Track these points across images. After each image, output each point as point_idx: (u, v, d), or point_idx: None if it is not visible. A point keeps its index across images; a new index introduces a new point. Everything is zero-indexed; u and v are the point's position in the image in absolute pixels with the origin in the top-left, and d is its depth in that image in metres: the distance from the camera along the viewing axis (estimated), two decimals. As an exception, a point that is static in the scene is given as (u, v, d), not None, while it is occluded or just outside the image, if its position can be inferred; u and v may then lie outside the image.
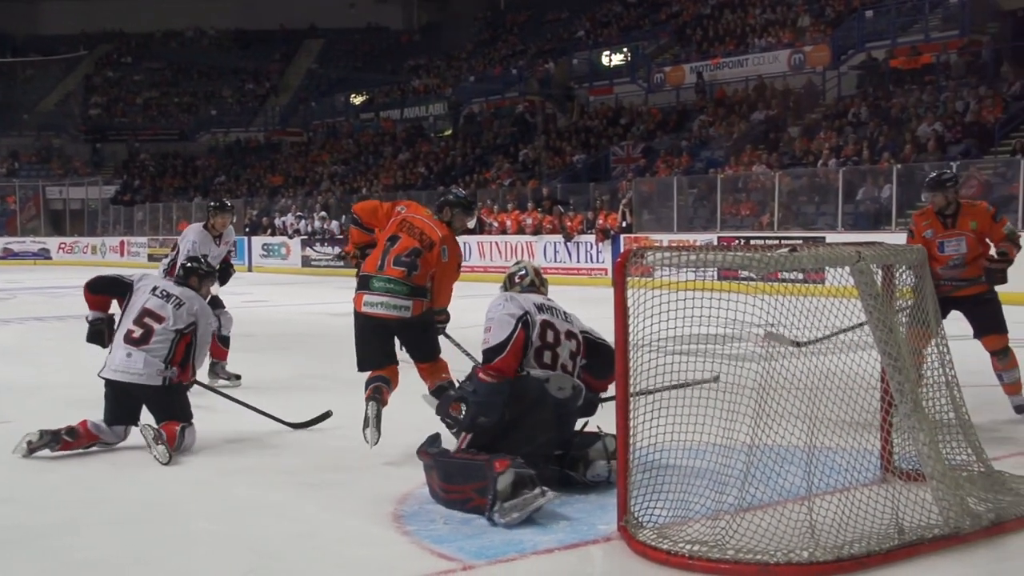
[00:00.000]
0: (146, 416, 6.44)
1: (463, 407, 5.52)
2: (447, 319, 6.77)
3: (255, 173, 42.54)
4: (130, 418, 6.47)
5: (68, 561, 4.48)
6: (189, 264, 6.96)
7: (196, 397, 6.82)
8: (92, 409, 6.53)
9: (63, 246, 39.98)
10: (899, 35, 26.72)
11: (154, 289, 6.57)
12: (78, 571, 4.39)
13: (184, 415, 6.45)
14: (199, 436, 6.50)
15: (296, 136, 46.00)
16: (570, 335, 5.64)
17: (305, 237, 31.02)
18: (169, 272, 8.34)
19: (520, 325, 5.43)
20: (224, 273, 9.34)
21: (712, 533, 4.34)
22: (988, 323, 7.22)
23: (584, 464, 5.39)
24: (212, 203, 9.46)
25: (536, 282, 5.99)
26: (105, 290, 6.74)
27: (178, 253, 8.84)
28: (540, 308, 5.64)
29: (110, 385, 6.44)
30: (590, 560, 4.48)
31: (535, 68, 37.52)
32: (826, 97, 26.68)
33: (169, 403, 6.43)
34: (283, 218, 32.76)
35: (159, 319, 6.45)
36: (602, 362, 5.53)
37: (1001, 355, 7.18)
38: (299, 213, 32.45)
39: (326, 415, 7.08)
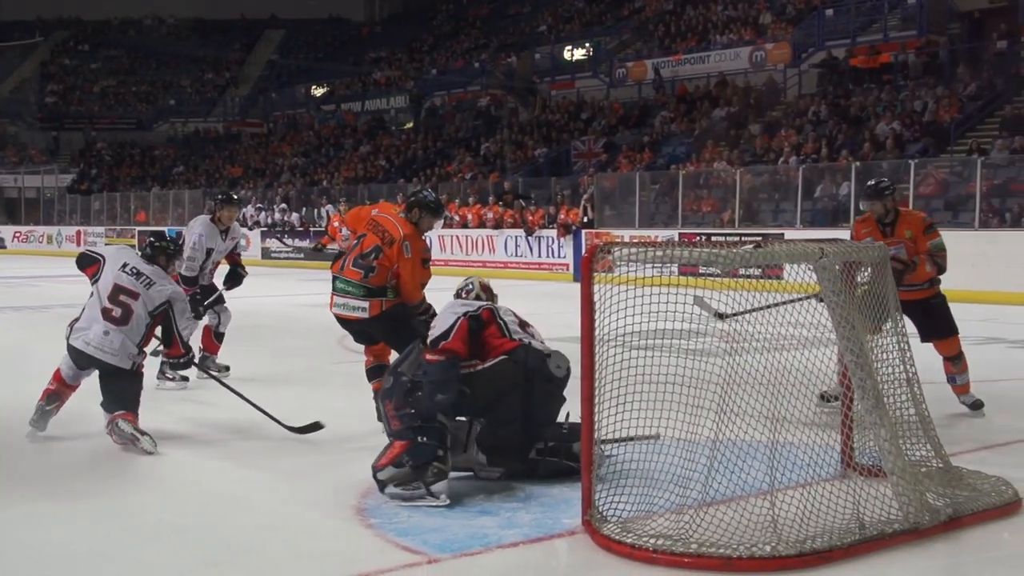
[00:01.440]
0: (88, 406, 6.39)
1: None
2: (426, 311, 6.81)
3: (214, 164, 42.23)
4: (86, 372, 6.53)
5: (31, 555, 4.44)
6: (157, 242, 6.79)
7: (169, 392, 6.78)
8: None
9: (18, 235, 39.50)
10: (858, 34, 26.93)
11: (124, 265, 6.52)
12: (41, 565, 4.35)
13: (135, 405, 6.37)
14: (162, 428, 6.44)
15: (256, 127, 45.72)
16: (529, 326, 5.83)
17: (265, 229, 30.84)
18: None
19: (463, 317, 5.56)
20: (235, 276, 9.05)
21: (676, 527, 4.37)
22: (940, 327, 7.25)
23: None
24: (219, 195, 9.10)
25: (482, 296, 6.09)
26: (86, 264, 6.75)
27: (183, 245, 8.59)
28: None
29: (79, 353, 6.39)
30: (555, 554, 4.51)
31: (497, 62, 37.49)
32: (787, 95, 26.87)
33: (129, 389, 6.37)
34: (243, 209, 32.53)
35: (134, 295, 6.40)
36: None
37: (955, 360, 7.25)
38: (259, 205, 32.26)
39: (316, 426, 6.70)
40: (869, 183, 7.48)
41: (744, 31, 30.00)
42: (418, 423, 5.12)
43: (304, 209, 30.62)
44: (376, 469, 5.07)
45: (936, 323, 7.24)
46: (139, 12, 53.66)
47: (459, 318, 5.54)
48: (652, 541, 4.28)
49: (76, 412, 6.64)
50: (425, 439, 5.06)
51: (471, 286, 6.13)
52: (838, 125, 22.53)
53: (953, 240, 17.36)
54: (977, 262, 16.28)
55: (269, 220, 30.96)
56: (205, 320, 8.91)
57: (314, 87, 45.56)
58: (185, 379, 8.38)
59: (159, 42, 53.24)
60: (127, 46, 53.00)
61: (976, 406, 7.27)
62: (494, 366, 5.46)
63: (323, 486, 5.46)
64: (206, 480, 5.69)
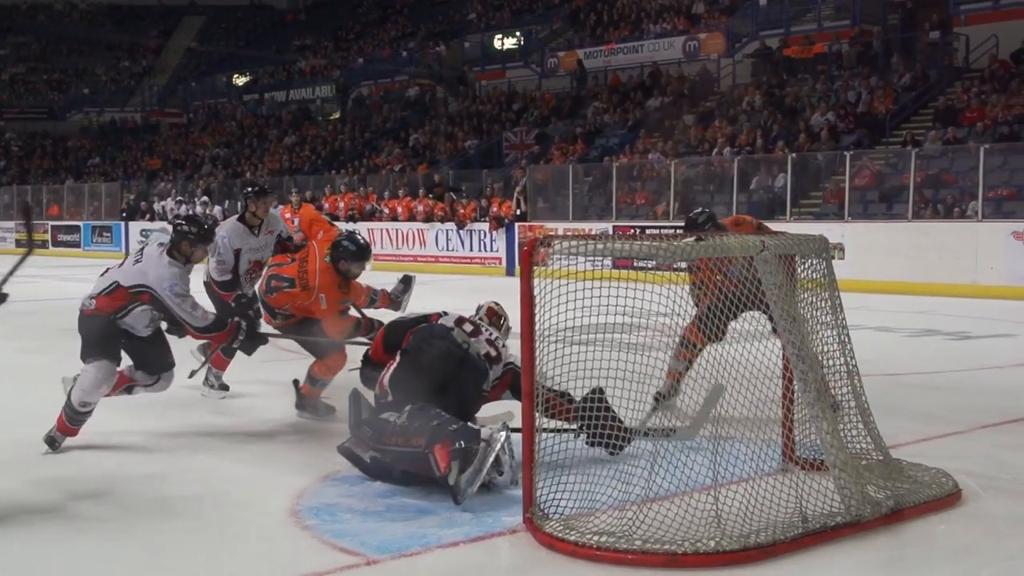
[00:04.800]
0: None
1: None
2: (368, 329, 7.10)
3: (132, 155, 41.60)
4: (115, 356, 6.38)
5: (-53, 563, 4.37)
6: (180, 226, 6.42)
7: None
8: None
9: (-78, 230, 38.53)
10: (792, 24, 27.29)
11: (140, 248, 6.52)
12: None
13: (92, 352, 6.21)
14: (90, 431, 6.33)
15: (175, 117, 45.15)
16: (491, 343, 5.85)
17: (185, 223, 30.38)
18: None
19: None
20: None
21: (619, 524, 4.42)
22: None
23: None
24: (249, 188, 8.32)
25: (484, 320, 6.12)
26: None
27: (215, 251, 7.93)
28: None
29: None
30: (497, 553, 4.53)
31: (425, 51, 37.39)
32: (721, 85, 27.13)
33: (85, 334, 6.26)
34: (162, 203, 32.08)
35: (117, 267, 6.41)
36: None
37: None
38: (179, 198, 31.84)
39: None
40: (689, 215, 7.46)
41: (677, 20, 30.23)
42: (447, 423, 5.13)
43: (227, 202, 30.26)
44: (443, 477, 4.88)
45: None
46: (50, -4, 52.62)
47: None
48: (595, 538, 4.32)
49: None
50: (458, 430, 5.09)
51: (477, 310, 6.24)
52: (773, 116, 22.83)
53: (887, 232, 17.86)
54: (911, 254, 16.66)
55: (190, 213, 30.53)
56: None
57: (236, 76, 45.08)
58: (225, 387, 8.04)
59: (71, 28, 52.15)
60: (37, 31, 51.82)
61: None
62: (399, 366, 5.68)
63: (256, 488, 5.44)
64: (132, 484, 5.61)
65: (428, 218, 24.09)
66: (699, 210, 7.54)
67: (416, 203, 24.66)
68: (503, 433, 4.96)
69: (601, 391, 5.15)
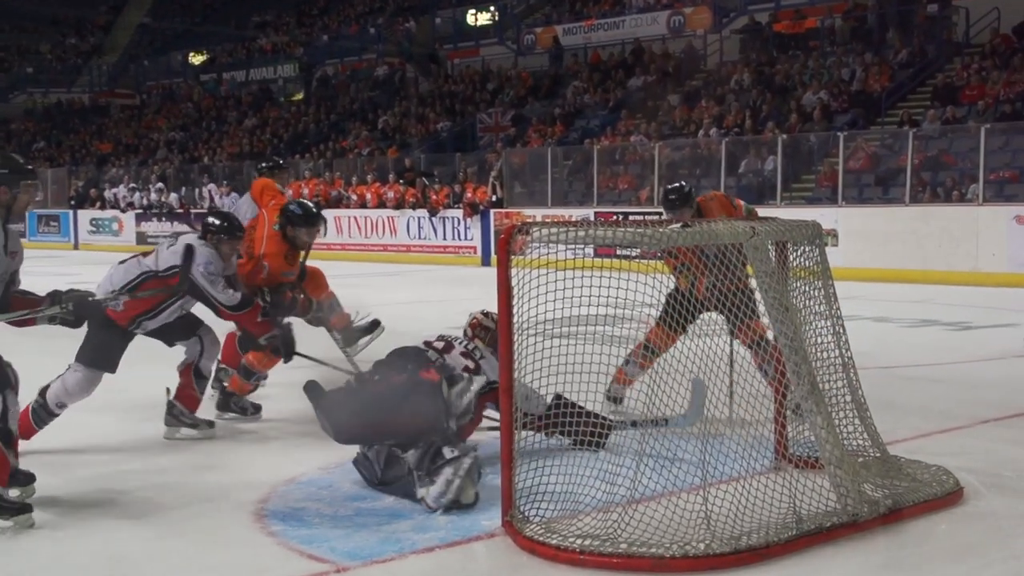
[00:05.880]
0: None
1: None
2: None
3: (80, 139, 41.37)
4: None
5: None
6: (209, 221, 6.56)
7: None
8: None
9: None
10: (783, -3, 27.41)
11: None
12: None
13: (90, 357, 6.21)
14: (44, 435, 6.26)
15: (127, 99, 44.88)
16: (466, 355, 5.85)
17: (140, 211, 30.28)
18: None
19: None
20: None
21: (603, 526, 4.44)
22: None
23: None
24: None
25: (468, 332, 6.11)
26: None
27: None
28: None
29: None
30: (474, 558, 4.53)
31: (394, 27, 37.27)
32: (707, 63, 27.18)
33: (93, 333, 6.19)
34: (114, 190, 31.92)
35: (147, 252, 6.52)
36: None
37: (758, 346, 6.94)
38: (132, 184, 31.68)
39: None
40: (670, 188, 7.35)
41: (661, -6, 30.26)
42: None
43: (183, 189, 30.15)
44: (436, 384, 5.28)
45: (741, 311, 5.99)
46: (-11, -30, 52.16)
47: None
48: (578, 542, 4.33)
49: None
50: None
51: (469, 318, 6.22)
52: (762, 95, 22.89)
53: (883, 217, 17.92)
54: (908, 239, 16.75)
55: (144, 201, 30.41)
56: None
57: (192, 54, 44.84)
58: (258, 408, 7.38)
59: (13, 2, 51.70)
60: (-25, 8, 51.51)
61: None
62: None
63: (218, 493, 5.42)
64: (88, 489, 5.59)
65: (399, 205, 24.06)
66: (678, 184, 7.42)
67: (386, 189, 24.62)
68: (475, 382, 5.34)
69: (561, 397, 5.27)
